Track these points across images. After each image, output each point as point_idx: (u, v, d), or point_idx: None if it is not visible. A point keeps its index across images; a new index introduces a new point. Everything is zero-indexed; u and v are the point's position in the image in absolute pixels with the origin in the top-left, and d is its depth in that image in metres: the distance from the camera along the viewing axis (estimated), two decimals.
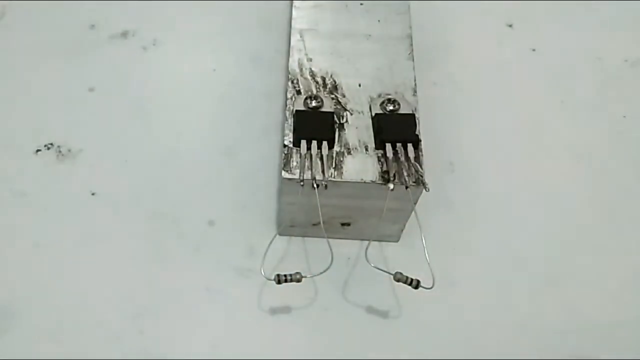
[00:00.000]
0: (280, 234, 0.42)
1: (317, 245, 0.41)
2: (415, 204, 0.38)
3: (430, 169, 0.47)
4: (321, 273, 0.36)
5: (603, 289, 0.42)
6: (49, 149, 0.46)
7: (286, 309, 0.40)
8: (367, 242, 0.38)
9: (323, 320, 0.40)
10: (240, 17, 0.55)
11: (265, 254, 0.37)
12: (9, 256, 0.41)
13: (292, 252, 0.42)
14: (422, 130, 0.50)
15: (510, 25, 0.57)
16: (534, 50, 0.56)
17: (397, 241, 0.42)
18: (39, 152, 0.46)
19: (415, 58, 0.54)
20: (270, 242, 0.37)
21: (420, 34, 0.55)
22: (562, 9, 0.59)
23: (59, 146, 0.46)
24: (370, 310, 0.40)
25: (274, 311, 0.40)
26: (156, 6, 0.55)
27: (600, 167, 0.49)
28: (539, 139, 0.50)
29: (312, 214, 0.38)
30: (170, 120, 0.48)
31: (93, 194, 0.44)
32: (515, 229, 0.45)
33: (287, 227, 0.42)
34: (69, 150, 0.46)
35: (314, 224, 0.40)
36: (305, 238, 0.42)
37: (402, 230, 0.41)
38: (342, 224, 0.41)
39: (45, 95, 0.49)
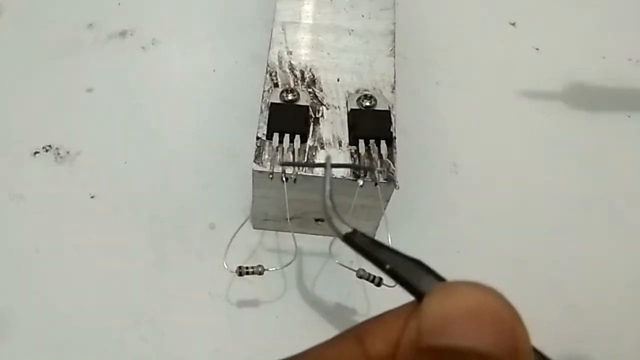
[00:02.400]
0: (254, 227, 0.42)
1: (291, 239, 0.40)
2: (387, 201, 0.38)
3: (433, 170, 0.47)
4: (284, 267, 0.36)
5: (604, 289, 0.42)
6: (47, 151, 0.45)
7: (289, 314, 0.39)
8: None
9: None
10: (240, 17, 0.54)
11: (228, 245, 0.37)
12: (6, 260, 0.41)
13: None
14: (424, 130, 0.50)
15: (513, 24, 0.56)
16: (537, 49, 0.55)
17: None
18: (36, 155, 0.45)
19: (417, 57, 0.54)
20: (235, 233, 0.37)
21: (423, 32, 0.55)
22: (566, 7, 0.57)
23: (57, 148, 0.45)
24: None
25: (277, 315, 0.39)
26: (155, 5, 0.55)
27: (604, 167, 0.48)
28: (542, 139, 0.49)
29: (284, 208, 0.38)
30: (170, 122, 0.48)
31: (92, 197, 0.43)
32: (517, 229, 0.44)
33: (261, 220, 0.41)
34: (68, 153, 0.45)
35: (287, 218, 0.40)
36: (279, 232, 0.42)
37: (376, 228, 0.41)
38: (316, 220, 0.41)
39: (42, 96, 0.48)
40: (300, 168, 0.36)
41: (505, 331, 0.15)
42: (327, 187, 0.25)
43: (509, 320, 0.16)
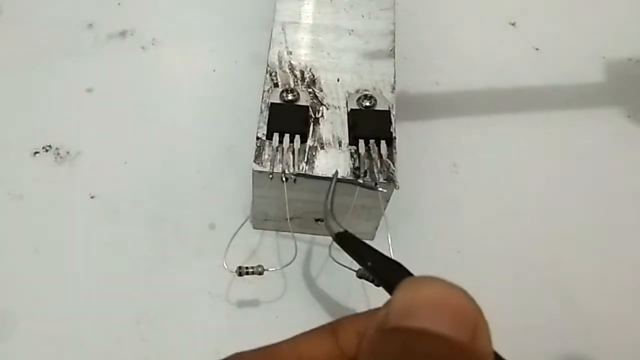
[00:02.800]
0: (254, 227, 0.42)
1: (291, 239, 0.40)
2: (387, 201, 0.38)
3: (433, 170, 0.47)
4: (284, 267, 0.36)
5: (604, 289, 0.42)
6: (47, 151, 0.45)
7: (289, 314, 0.39)
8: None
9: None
10: (240, 17, 0.54)
11: (228, 245, 0.37)
12: (6, 260, 0.41)
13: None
14: (424, 130, 0.50)
15: (513, 24, 0.56)
16: (537, 49, 0.55)
17: (372, 239, 0.42)
18: (37, 155, 0.45)
19: (416, 57, 0.54)
20: (235, 233, 0.37)
21: (423, 32, 0.55)
22: (566, 7, 0.57)
23: (57, 148, 0.45)
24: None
25: (277, 315, 0.40)
26: (155, 5, 0.55)
27: (604, 167, 0.48)
28: (543, 139, 0.49)
29: (284, 208, 0.38)
30: (170, 121, 0.48)
31: (92, 197, 0.43)
32: (518, 229, 0.44)
33: (261, 220, 0.41)
34: (68, 153, 0.45)
35: (287, 218, 0.40)
36: (279, 232, 0.42)
37: (376, 228, 0.41)
38: (317, 220, 0.41)
39: (42, 96, 0.48)
40: (301, 168, 0.36)
41: (466, 320, 0.16)
42: (330, 196, 0.31)
43: (470, 312, 0.17)
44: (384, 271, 0.23)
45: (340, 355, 0.19)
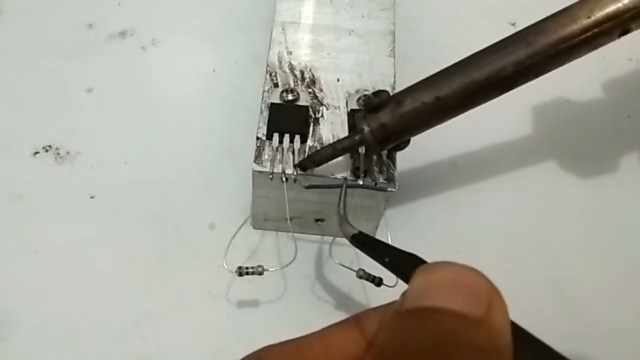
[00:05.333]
0: (254, 228, 0.42)
1: (291, 239, 0.40)
2: (387, 201, 0.38)
3: (433, 170, 0.47)
4: (284, 267, 0.36)
5: (604, 290, 0.42)
6: (47, 151, 0.45)
7: (289, 314, 0.39)
8: (340, 237, 0.38)
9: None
10: (240, 17, 0.54)
11: (228, 245, 0.37)
12: (6, 260, 0.41)
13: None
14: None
15: (514, 24, 0.56)
16: None
17: None
18: (36, 155, 0.45)
19: (415, 57, 0.54)
20: (235, 233, 0.37)
21: (423, 32, 0.55)
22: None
23: (57, 148, 0.45)
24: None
25: (277, 315, 0.39)
26: (155, 5, 0.54)
27: (605, 168, 0.48)
28: (543, 139, 0.49)
29: (284, 208, 0.38)
30: (170, 122, 0.47)
31: (92, 197, 0.43)
32: (517, 229, 0.44)
33: (261, 220, 0.42)
34: (68, 153, 0.45)
35: (287, 218, 0.40)
36: (279, 232, 0.42)
37: (376, 228, 0.41)
38: (317, 220, 0.41)
39: (42, 96, 0.48)
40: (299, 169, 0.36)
41: (479, 296, 0.17)
42: (342, 202, 0.33)
43: (484, 289, 0.17)
44: (401, 264, 0.24)
45: (365, 344, 0.20)
